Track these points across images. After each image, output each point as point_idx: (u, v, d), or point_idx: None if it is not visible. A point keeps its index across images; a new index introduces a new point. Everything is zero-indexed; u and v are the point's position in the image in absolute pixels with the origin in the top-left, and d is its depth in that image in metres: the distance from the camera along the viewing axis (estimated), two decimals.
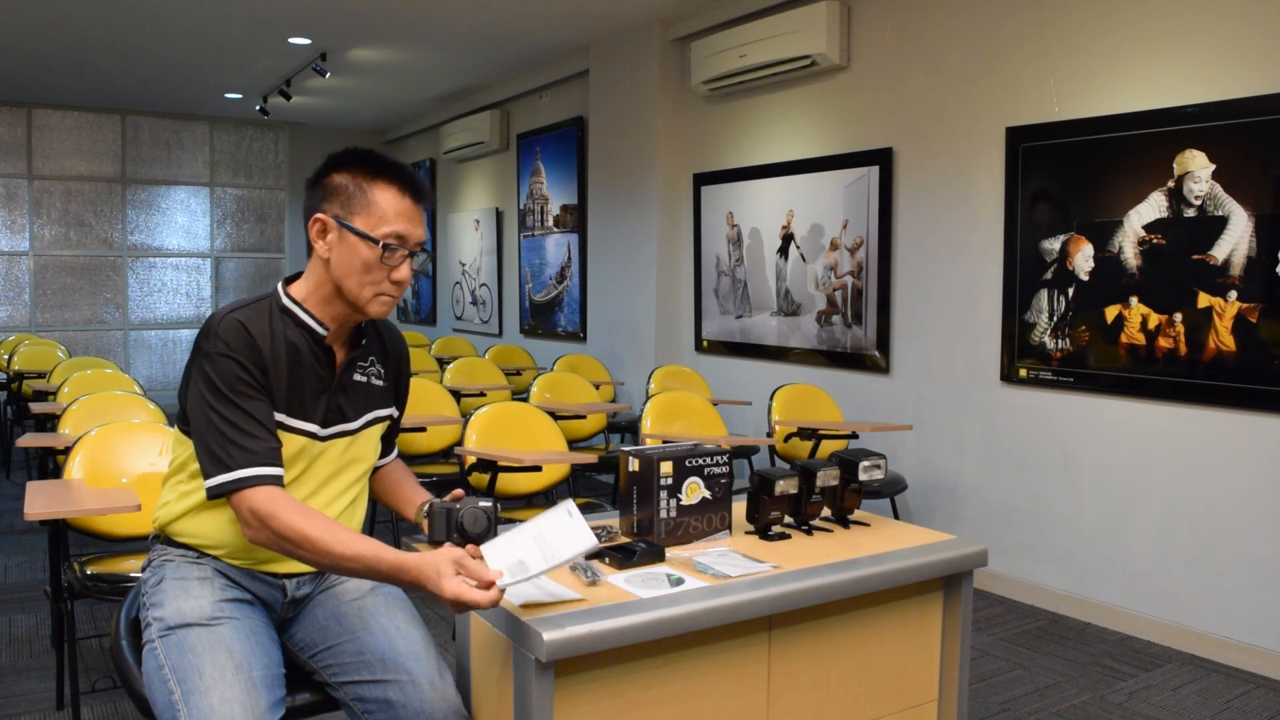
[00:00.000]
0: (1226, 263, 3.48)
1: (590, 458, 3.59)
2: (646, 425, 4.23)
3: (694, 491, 2.01)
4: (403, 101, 8.99)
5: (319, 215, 1.71)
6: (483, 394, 5.27)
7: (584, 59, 6.85)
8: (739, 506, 2.20)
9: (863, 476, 2.15)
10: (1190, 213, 3.58)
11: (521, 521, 1.73)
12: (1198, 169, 3.55)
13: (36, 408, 4.55)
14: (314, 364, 1.74)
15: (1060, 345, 4.04)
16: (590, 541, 1.56)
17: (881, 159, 4.83)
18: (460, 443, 3.72)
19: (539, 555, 1.55)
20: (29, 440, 3.56)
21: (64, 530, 2.83)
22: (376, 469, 1.98)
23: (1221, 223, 3.49)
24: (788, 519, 2.13)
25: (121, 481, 2.92)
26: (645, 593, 1.67)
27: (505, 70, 7.61)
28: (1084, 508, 4.00)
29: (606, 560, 1.84)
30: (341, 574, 1.59)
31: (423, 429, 4.18)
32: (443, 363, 6.21)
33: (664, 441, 2.62)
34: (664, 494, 1.98)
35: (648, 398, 4.48)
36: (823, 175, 5.18)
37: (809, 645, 1.85)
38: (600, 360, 6.47)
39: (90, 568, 2.83)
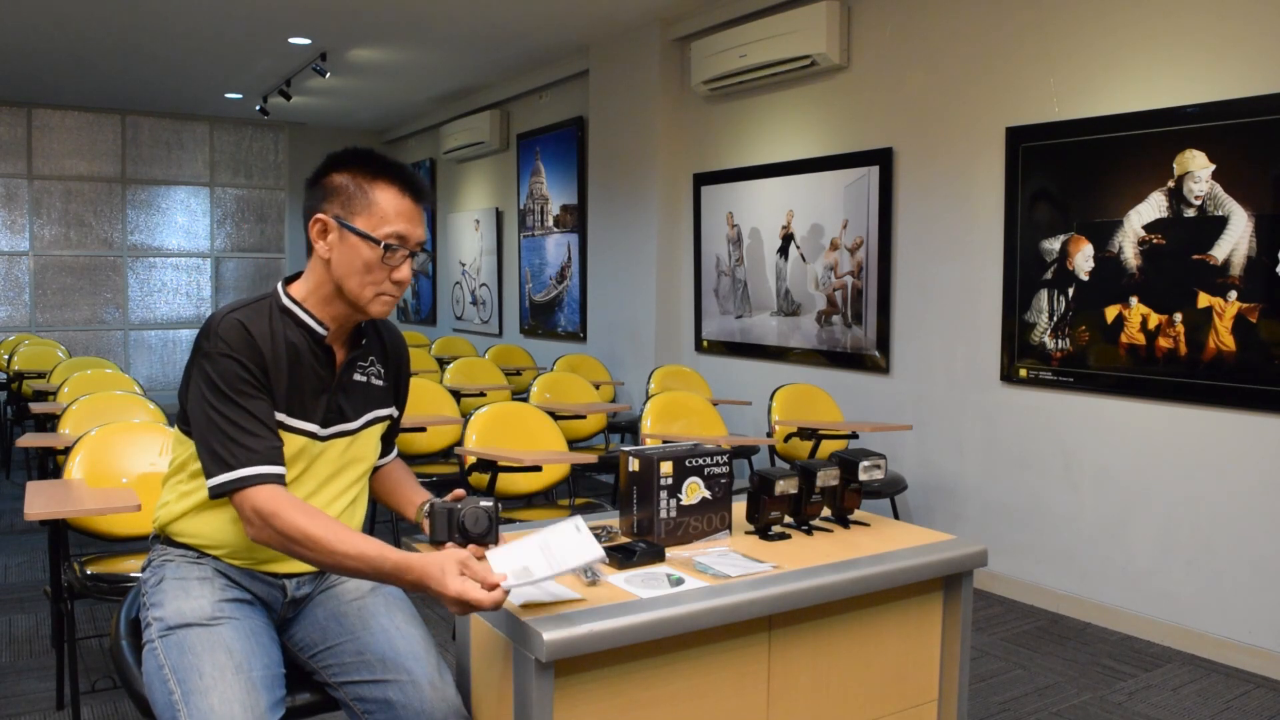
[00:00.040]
0: (1226, 263, 3.48)
1: (590, 458, 3.59)
2: (646, 425, 4.23)
3: (694, 491, 2.01)
4: (403, 101, 8.99)
5: (320, 215, 1.71)
6: (483, 394, 5.27)
7: (584, 59, 6.85)
8: (739, 506, 2.20)
9: (863, 476, 2.15)
10: (1190, 213, 3.58)
11: (522, 522, 1.73)
12: (1198, 169, 3.55)
13: (36, 408, 4.55)
14: (314, 364, 1.74)
15: (1060, 345, 4.04)
16: (597, 553, 1.56)
17: (881, 159, 4.83)
18: (460, 443, 3.72)
19: (544, 563, 1.55)
20: (29, 440, 3.56)
21: (64, 530, 2.83)
22: (376, 469, 1.98)
23: (1221, 223, 3.49)
24: (788, 519, 2.13)
25: (121, 481, 2.92)
26: (645, 593, 1.67)
27: (505, 70, 7.61)
28: (1084, 508, 4.00)
29: (606, 560, 1.83)
30: (344, 573, 1.59)
31: (423, 429, 4.18)
32: (443, 363, 6.21)
33: (664, 441, 2.62)
34: (664, 494, 1.98)
35: (648, 398, 4.48)
36: (823, 175, 5.18)
37: (809, 645, 1.85)
38: (600, 360, 6.47)
39: (90, 568, 2.83)
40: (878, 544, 2.03)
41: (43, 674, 3.27)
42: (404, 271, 1.72)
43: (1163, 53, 3.69)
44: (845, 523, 2.19)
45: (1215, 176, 3.51)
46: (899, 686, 2.00)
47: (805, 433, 4.31)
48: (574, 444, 4.81)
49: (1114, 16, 3.83)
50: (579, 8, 5.84)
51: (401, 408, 1.96)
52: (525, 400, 4.85)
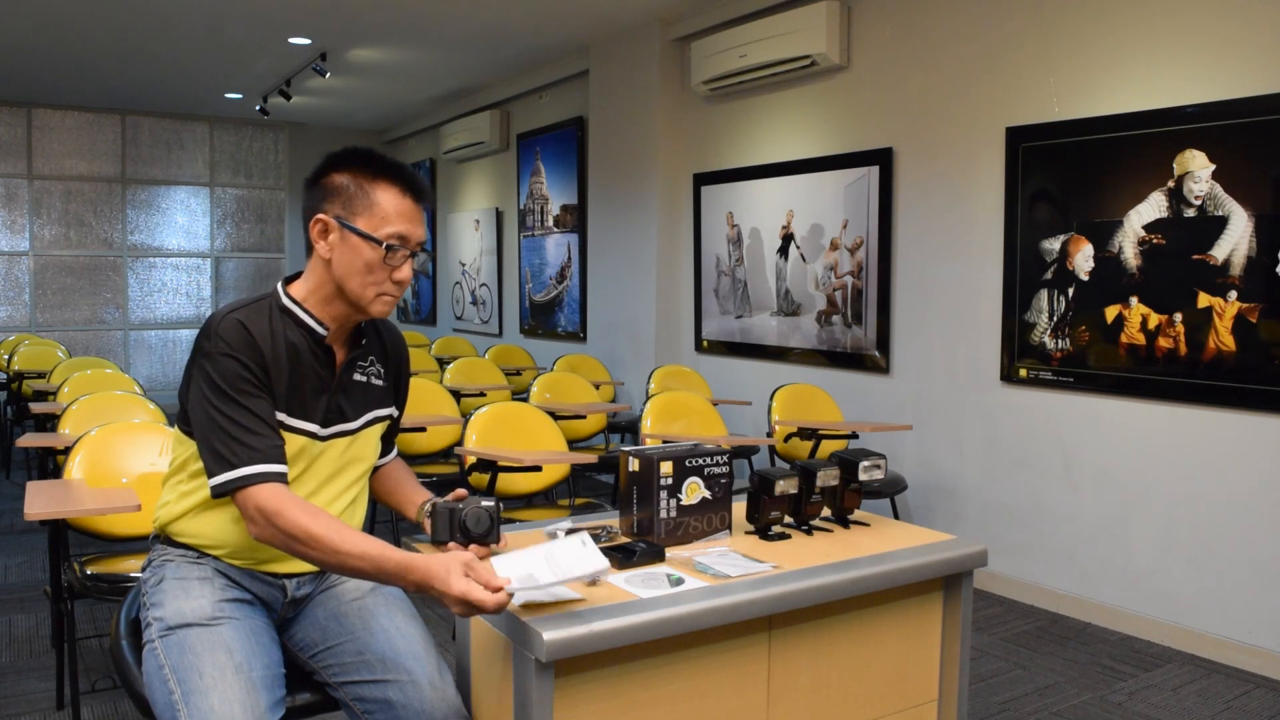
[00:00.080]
0: (1226, 263, 3.48)
1: (590, 458, 3.59)
2: (646, 425, 4.23)
3: (694, 491, 2.01)
4: (403, 101, 8.99)
5: (320, 216, 1.71)
6: (483, 394, 5.27)
7: (584, 59, 6.85)
8: (739, 506, 2.20)
9: (863, 476, 2.15)
10: (1190, 213, 3.58)
11: (522, 522, 1.73)
12: (1198, 169, 3.55)
13: (36, 408, 4.55)
14: (314, 364, 1.74)
15: (1060, 345, 4.04)
16: (602, 564, 1.56)
17: (881, 159, 4.83)
18: (460, 443, 3.72)
19: (548, 571, 1.55)
20: (29, 440, 3.56)
21: (64, 530, 2.83)
22: (377, 468, 1.99)
23: (1221, 223, 3.49)
24: (788, 519, 2.13)
25: (121, 481, 2.92)
26: (645, 593, 1.67)
27: (505, 70, 7.61)
28: (1084, 508, 4.00)
29: (610, 571, 1.83)
30: (346, 573, 1.58)
31: (423, 429, 4.18)
32: (443, 363, 6.21)
33: (664, 441, 2.62)
34: (664, 494, 1.98)
35: (648, 398, 4.48)
36: (823, 175, 5.18)
37: (809, 645, 1.85)
38: (600, 360, 6.47)
39: (90, 568, 2.83)
40: (878, 544, 2.03)
41: (43, 674, 3.27)
42: (405, 271, 1.73)
43: (1163, 53, 3.69)
44: (845, 523, 2.19)
45: (1215, 176, 3.51)
46: (899, 686, 2.00)
47: (805, 433, 4.31)
48: (574, 444, 4.81)
49: (1114, 16, 3.83)
50: (579, 8, 5.84)
51: (401, 408, 1.96)
52: (525, 400, 4.85)
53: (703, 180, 6.02)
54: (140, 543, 2.94)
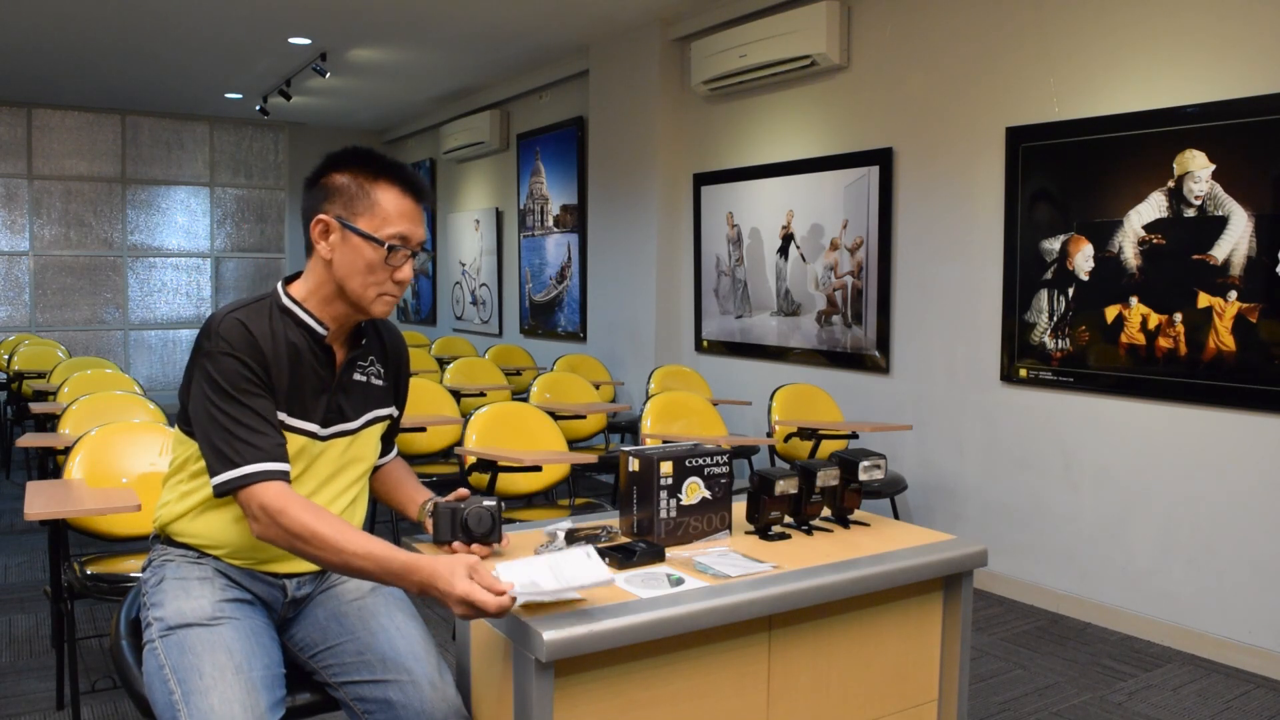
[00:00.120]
0: (1226, 263, 3.48)
1: (590, 458, 3.59)
2: (646, 425, 4.23)
3: (694, 491, 2.01)
4: (403, 101, 8.99)
5: (321, 216, 1.71)
6: (483, 394, 5.27)
7: (584, 59, 6.85)
8: (739, 506, 2.20)
9: (863, 476, 2.15)
10: (1190, 213, 3.58)
11: (522, 522, 1.73)
12: (1198, 169, 3.55)
13: (36, 408, 4.55)
14: (314, 364, 1.74)
15: (1060, 345, 4.04)
16: (606, 576, 1.56)
17: (881, 159, 4.83)
18: (460, 443, 3.72)
19: (552, 579, 1.55)
20: (29, 440, 3.56)
21: (64, 530, 2.83)
22: (377, 468, 1.99)
23: (1221, 223, 3.49)
24: (788, 519, 2.13)
25: (121, 481, 2.92)
26: (645, 593, 1.67)
27: (505, 70, 7.61)
28: (1084, 508, 4.00)
29: (606, 560, 1.83)
30: (349, 573, 1.58)
31: (423, 429, 4.18)
32: (443, 363, 6.21)
33: (664, 441, 2.62)
34: (664, 494, 1.98)
35: (648, 398, 4.48)
36: (823, 175, 5.18)
37: (809, 645, 1.85)
38: (600, 360, 6.47)
39: (90, 568, 2.83)
40: (878, 544, 2.03)
41: (43, 674, 3.27)
42: (406, 271, 1.73)
43: (1163, 53, 3.69)
44: (845, 523, 2.19)
45: (1215, 176, 3.51)
46: (899, 686, 2.00)
47: (805, 433, 4.31)
48: (574, 444, 4.81)
49: (1114, 16, 3.83)
50: (579, 8, 5.84)
51: (401, 407, 1.96)
52: (525, 400, 4.85)
53: (703, 180, 6.02)
54: (140, 543, 2.94)
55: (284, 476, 1.62)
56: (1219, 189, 3.50)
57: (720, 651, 1.73)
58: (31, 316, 9.44)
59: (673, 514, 1.99)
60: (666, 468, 1.98)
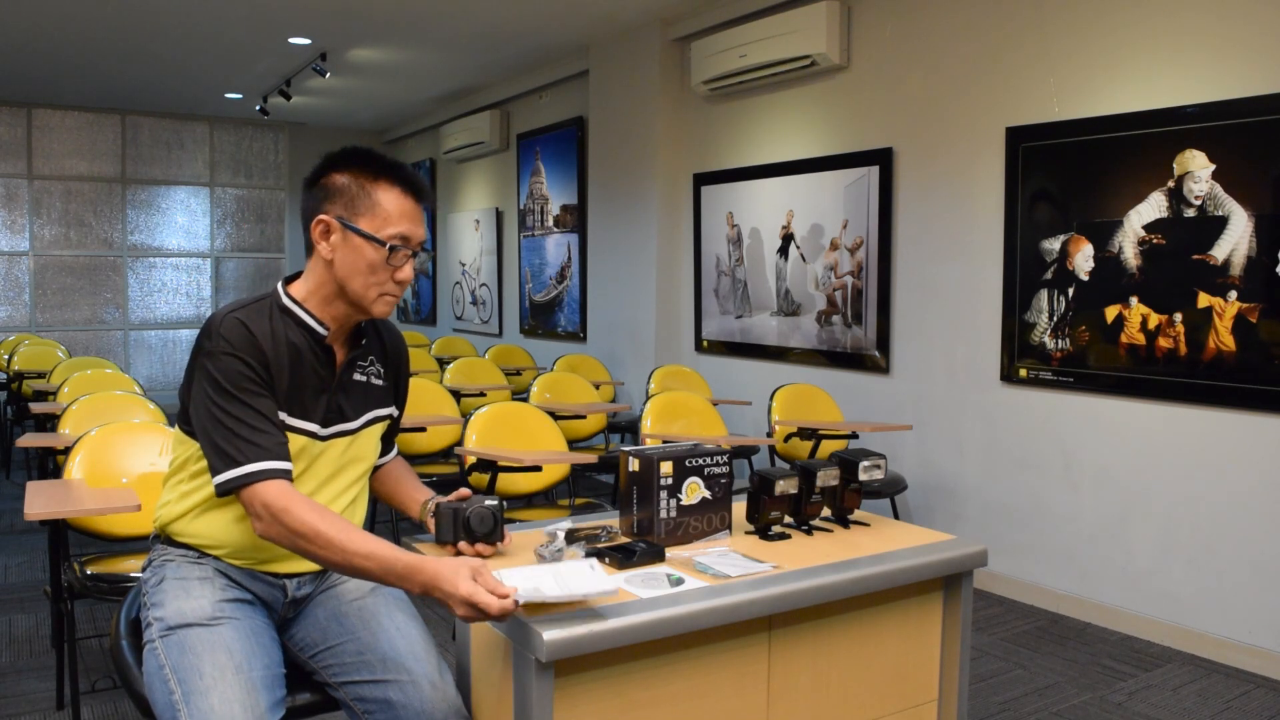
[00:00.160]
0: (1226, 263, 3.48)
1: (590, 458, 3.59)
2: (646, 425, 4.23)
3: (694, 491, 2.01)
4: (403, 101, 8.99)
5: (322, 217, 1.71)
6: (483, 394, 5.27)
7: (584, 59, 6.85)
8: (739, 506, 2.20)
9: (863, 476, 2.15)
10: (1190, 213, 3.58)
11: (522, 522, 1.73)
12: (1198, 169, 3.55)
13: (36, 408, 4.55)
14: (314, 364, 1.75)
15: (1060, 345, 4.04)
16: (610, 586, 1.56)
17: (881, 159, 4.83)
18: (460, 443, 3.72)
19: (555, 587, 1.56)
20: (29, 440, 3.56)
21: (64, 530, 2.83)
22: (377, 468, 1.99)
23: (1221, 223, 3.49)
24: (788, 519, 2.13)
25: (121, 481, 2.92)
26: (645, 593, 1.67)
27: (505, 70, 7.61)
28: (1084, 508, 4.00)
29: (606, 560, 1.84)
30: (352, 573, 1.58)
31: (423, 429, 4.18)
32: (443, 363, 6.21)
33: (664, 441, 2.62)
34: (664, 494, 1.98)
35: (648, 398, 4.48)
36: (823, 175, 5.18)
37: (809, 645, 1.85)
38: (600, 360, 6.47)
39: (90, 568, 2.83)
40: (878, 544, 2.03)
41: (43, 674, 3.27)
42: (407, 271, 1.73)
43: (1163, 53, 3.69)
44: (845, 523, 2.19)
45: (1215, 176, 3.51)
46: (899, 686, 2.00)
47: (805, 433, 4.31)
48: (574, 444, 4.81)
49: (1114, 16, 3.83)
50: (579, 8, 5.84)
51: (401, 407, 1.96)
52: (525, 400, 4.85)
53: (703, 180, 6.02)
54: (140, 543, 2.94)
55: (286, 475, 1.62)
56: (1219, 189, 3.50)
57: (720, 651, 1.73)
58: (31, 316, 9.44)
59: (673, 514, 1.99)
60: (666, 468, 1.98)
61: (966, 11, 4.41)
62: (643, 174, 6.25)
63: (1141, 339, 3.75)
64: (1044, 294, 4.09)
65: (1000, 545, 4.28)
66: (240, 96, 8.88)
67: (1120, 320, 3.82)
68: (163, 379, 9.99)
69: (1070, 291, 4.00)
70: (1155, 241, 3.69)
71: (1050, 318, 4.07)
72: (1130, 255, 3.78)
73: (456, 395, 4.71)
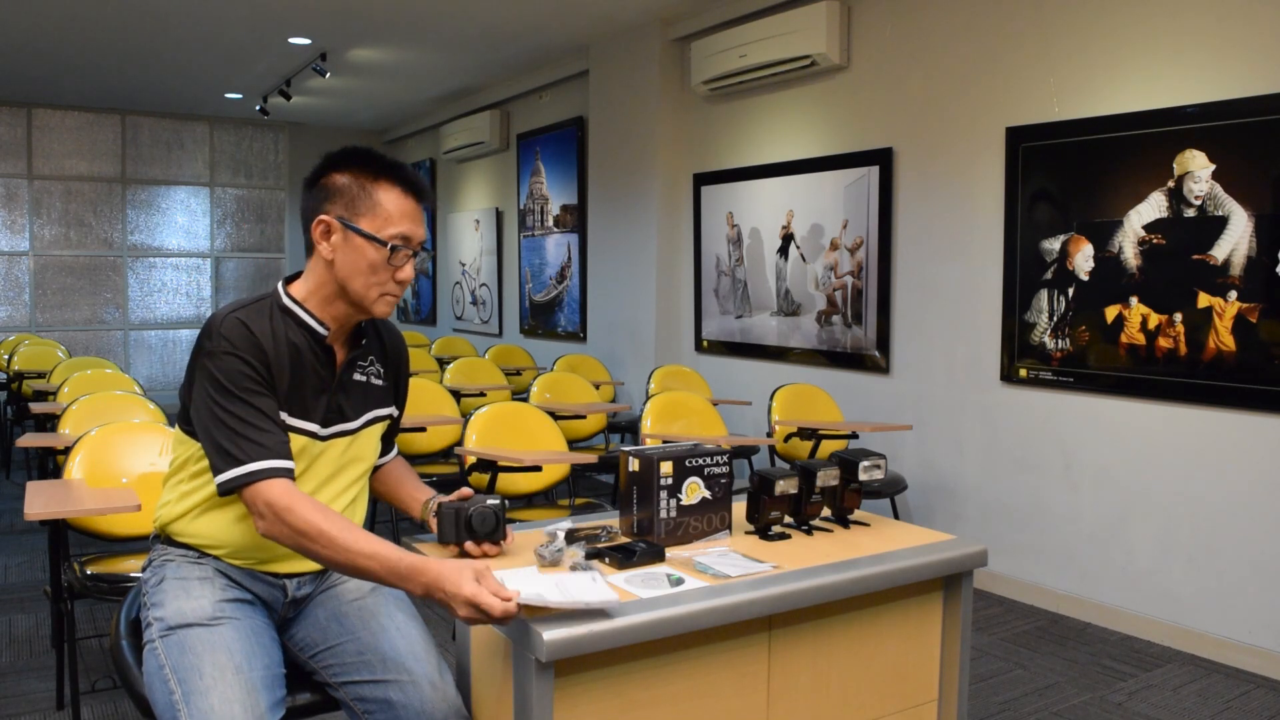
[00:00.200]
0: (1226, 263, 3.48)
1: (590, 458, 3.59)
2: (646, 425, 4.23)
3: (694, 491, 2.01)
4: (403, 101, 8.99)
5: (323, 217, 1.71)
6: (483, 394, 5.27)
7: (584, 59, 6.85)
8: (739, 506, 2.20)
9: (863, 476, 2.15)
10: (1190, 213, 3.58)
11: (523, 522, 1.74)
12: (1198, 169, 3.55)
13: (36, 408, 4.55)
14: (314, 364, 1.75)
15: (1060, 345, 4.04)
16: (612, 596, 1.56)
17: (881, 159, 4.83)
18: (460, 443, 3.72)
19: (557, 593, 1.56)
20: (29, 440, 3.56)
21: (64, 530, 2.83)
22: (378, 467, 1.99)
23: (1221, 223, 3.49)
24: (788, 519, 2.13)
25: (121, 481, 2.92)
26: (645, 593, 1.67)
27: (505, 70, 7.61)
28: (1084, 508, 4.00)
29: (606, 560, 1.84)
30: (354, 573, 1.57)
31: (423, 429, 4.18)
32: (443, 363, 6.21)
33: (664, 441, 2.62)
34: (664, 494, 1.98)
35: (648, 398, 4.48)
36: (823, 175, 5.18)
37: (809, 645, 1.85)
38: (600, 360, 6.47)
39: (90, 568, 2.83)
40: (878, 544, 2.03)
41: (43, 674, 3.27)
42: (407, 271, 1.73)
43: (1163, 53, 3.69)
44: (845, 523, 2.19)
45: (1215, 176, 3.51)
46: (899, 686, 2.00)
47: (805, 433, 4.31)
48: (574, 444, 4.81)
49: (1114, 16, 3.83)
50: (579, 8, 5.84)
51: (401, 407, 1.96)
52: (525, 400, 4.85)
53: (703, 180, 6.02)
54: (140, 543, 2.94)
55: (289, 474, 1.62)
56: (1219, 189, 3.50)
57: (720, 651, 1.73)
58: (31, 316, 9.44)
59: (673, 514, 1.99)
60: (666, 468, 1.98)
61: (966, 11, 4.41)
62: (643, 174, 6.25)
63: (1141, 339, 3.75)
64: (1044, 294, 4.09)
65: (1000, 545, 4.28)
66: (240, 96, 8.88)
67: (1120, 320, 3.82)
68: (163, 379, 9.99)
69: (1070, 291, 4.00)
70: (1155, 241, 3.69)
71: (1050, 318, 4.07)
72: (1130, 255, 3.78)
73: (456, 395, 4.71)
